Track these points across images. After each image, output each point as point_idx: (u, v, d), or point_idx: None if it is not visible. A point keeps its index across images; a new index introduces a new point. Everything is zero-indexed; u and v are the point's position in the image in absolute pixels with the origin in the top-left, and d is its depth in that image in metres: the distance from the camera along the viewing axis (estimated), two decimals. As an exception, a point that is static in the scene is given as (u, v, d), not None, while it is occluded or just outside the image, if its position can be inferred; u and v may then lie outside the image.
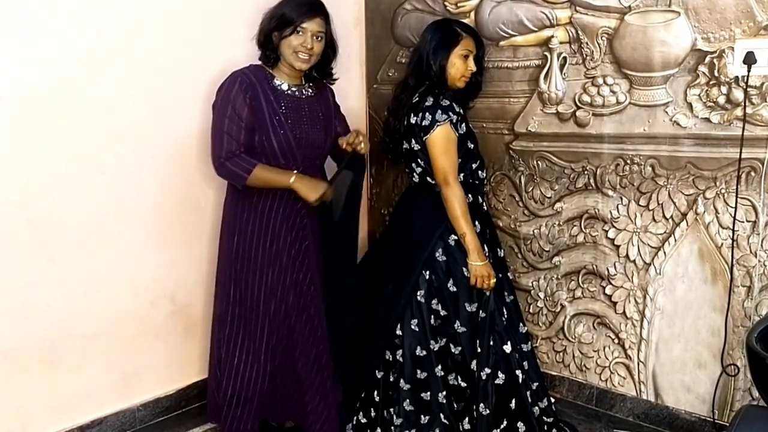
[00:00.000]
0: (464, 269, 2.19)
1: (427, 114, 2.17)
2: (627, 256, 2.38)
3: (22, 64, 1.97)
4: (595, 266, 2.47)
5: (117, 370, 2.34)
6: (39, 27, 1.99)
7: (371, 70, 3.05)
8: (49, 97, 2.03)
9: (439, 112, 2.16)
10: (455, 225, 2.18)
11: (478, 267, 2.16)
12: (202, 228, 2.49)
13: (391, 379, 2.28)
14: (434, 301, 2.24)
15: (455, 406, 2.25)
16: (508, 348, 2.23)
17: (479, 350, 2.19)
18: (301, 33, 2.06)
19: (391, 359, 2.29)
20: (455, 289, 2.21)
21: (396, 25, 2.91)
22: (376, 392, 2.32)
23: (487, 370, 2.19)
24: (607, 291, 2.45)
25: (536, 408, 2.28)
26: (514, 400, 2.22)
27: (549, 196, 2.55)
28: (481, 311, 2.21)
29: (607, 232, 2.42)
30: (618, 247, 2.40)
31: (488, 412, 2.18)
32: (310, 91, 2.21)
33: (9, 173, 1.98)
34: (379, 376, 2.32)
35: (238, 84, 2.06)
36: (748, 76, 2.01)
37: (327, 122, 2.24)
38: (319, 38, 2.11)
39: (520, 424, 2.22)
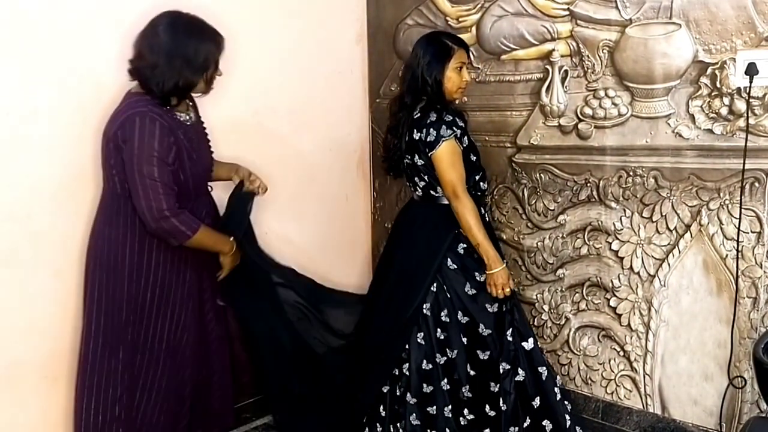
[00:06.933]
0: (476, 273, 2.20)
1: (432, 130, 2.17)
2: (631, 268, 2.38)
3: (26, 79, 1.98)
4: (599, 278, 2.47)
5: (120, 386, 2.33)
6: (42, 44, 2.00)
7: (374, 85, 3.07)
8: (52, 112, 2.04)
9: (444, 127, 2.16)
10: (469, 236, 2.17)
11: (497, 274, 2.16)
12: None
13: (398, 394, 2.27)
14: (443, 313, 2.23)
15: (462, 420, 2.23)
16: (528, 345, 2.21)
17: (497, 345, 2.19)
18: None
19: (397, 373, 2.28)
20: (474, 292, 2.21)
21: (398, 40, 2.93)
22: (382, 407, 2.31)
23: (506, 366, 2.17)
24: (612, 303, 2.45)
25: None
26: (538, 398, 2.20)
27: (552, 209, 2.55)
28: (503, 306, 2.20)
29: (610, 244, 2.41)
30: (622, 259, 2.39)
31: (506, 408, 2.16)
32: (193, 114, 2.11)
33: (13, 189, 1.99)
34: (385, 391, 2.30)
35: (159, 127, 1.88)
36: (750, 86, 2.02)
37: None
38: None
39: (546, 422, 2.19)
